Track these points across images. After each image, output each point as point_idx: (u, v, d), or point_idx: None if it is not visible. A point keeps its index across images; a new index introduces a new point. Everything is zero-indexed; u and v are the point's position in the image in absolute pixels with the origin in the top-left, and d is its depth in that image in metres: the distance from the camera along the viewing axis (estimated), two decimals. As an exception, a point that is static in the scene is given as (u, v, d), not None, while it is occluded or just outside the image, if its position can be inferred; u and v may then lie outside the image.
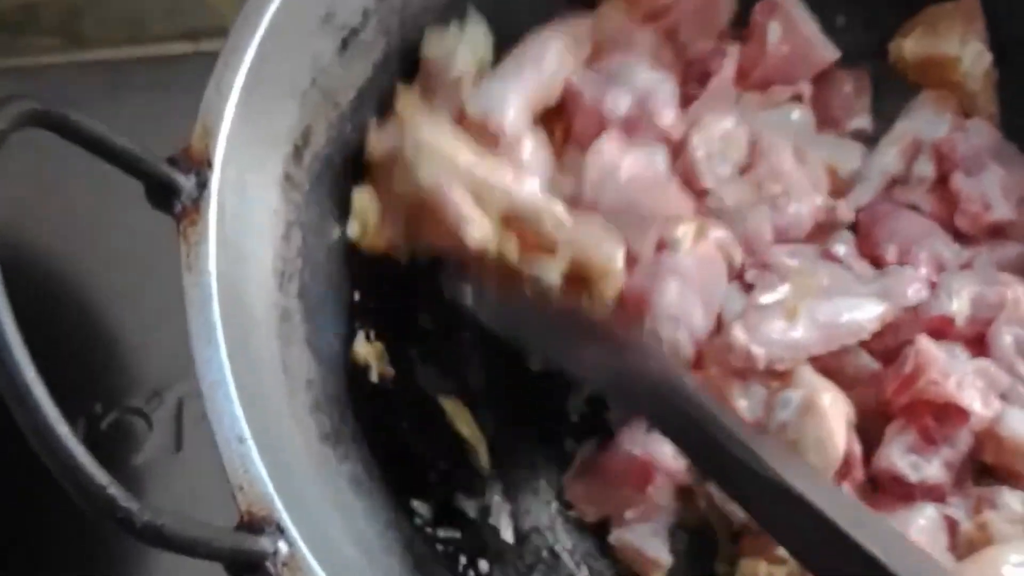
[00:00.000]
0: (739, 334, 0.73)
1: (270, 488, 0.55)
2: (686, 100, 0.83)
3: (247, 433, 0.56)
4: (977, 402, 0.72)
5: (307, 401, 0.68)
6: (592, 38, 0.83)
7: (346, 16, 0.72)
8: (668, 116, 0.81)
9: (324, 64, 0.71)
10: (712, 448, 0.62)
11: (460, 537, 0.74)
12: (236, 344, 0.59)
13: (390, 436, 0.74)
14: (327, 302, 0.74)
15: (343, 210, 0.77)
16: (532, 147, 0.78)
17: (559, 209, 0.74)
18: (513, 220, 0.74)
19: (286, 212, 0.70)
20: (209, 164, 0.62)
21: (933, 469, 0.72)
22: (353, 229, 0.77)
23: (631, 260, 0.76)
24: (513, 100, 0.79)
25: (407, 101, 0.79)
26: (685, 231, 0.76)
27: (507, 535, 0.76)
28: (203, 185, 0.61)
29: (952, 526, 0.72)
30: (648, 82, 0.81)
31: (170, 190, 0.60)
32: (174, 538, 0.48)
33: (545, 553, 0.76)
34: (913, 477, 0.72)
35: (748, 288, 0.78)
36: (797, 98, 0.85)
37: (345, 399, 0.73)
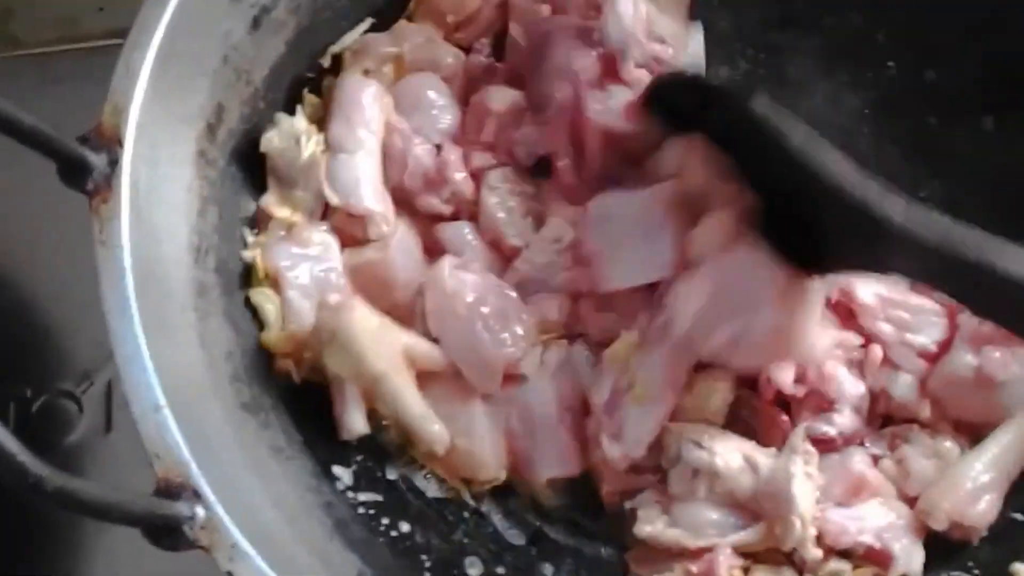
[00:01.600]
0: (611, 450, 0.74)
1: (186, 454, 0.56)
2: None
3: (163, 402, 0.57)
4: (842, 372, 0.76)
5: (226, 372, 0.69)
6: (395, 57, 0.84)
7: (257, -6, 0.73)
8: (459, 177, 0.80)
9: (235, 42, 0.73)
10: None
11: (382, 500, 0.75)
12: (151, 317, 0.60)
13: (311, 404, 0.75)
14: (245, 276, 0.76)
15: (259, 186, 0.78)
16: (400, 231, 0.79)
17: (436, 430, 0.75)
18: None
19: (201, 188, 0.71)
20: (120, 142, 0.63)
21: (846, 419, 0.76)
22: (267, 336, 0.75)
23: (485, 396, 0.77)
24: (364, 179, 0.78)
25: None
26: (531, 360, 0.77)
27: (432, 494, 0.77)
28: (114, 162, 0.62)
29: (876, 461, 0.76)
30: (447, 126, 0.82)
31: (82, 168, 0.61)
32: (87, 503, 0.49)
33: (467, 513, 0.77)
34: (832, 432, 0.76)
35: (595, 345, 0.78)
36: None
37: (265, 369, 0.74)
